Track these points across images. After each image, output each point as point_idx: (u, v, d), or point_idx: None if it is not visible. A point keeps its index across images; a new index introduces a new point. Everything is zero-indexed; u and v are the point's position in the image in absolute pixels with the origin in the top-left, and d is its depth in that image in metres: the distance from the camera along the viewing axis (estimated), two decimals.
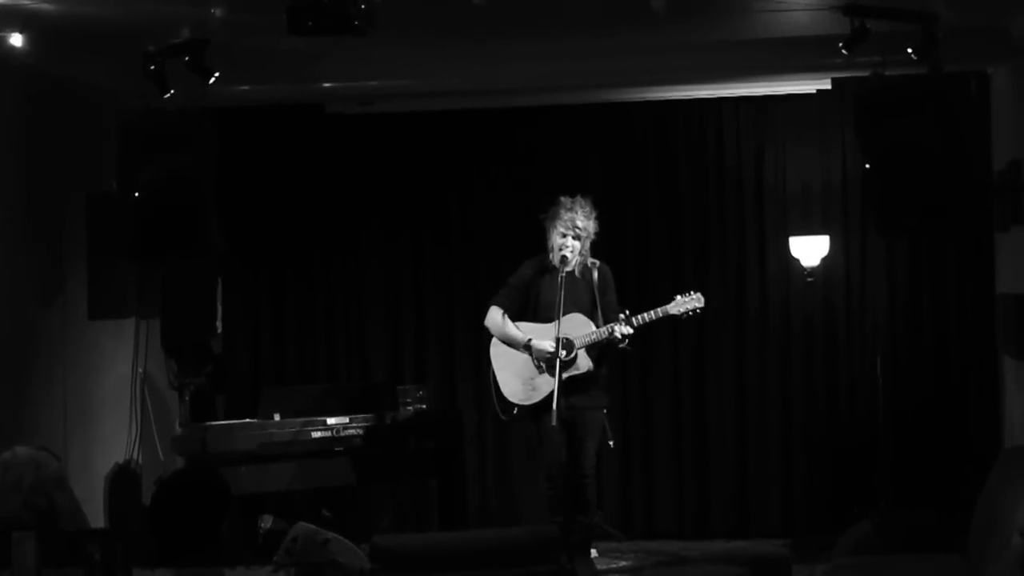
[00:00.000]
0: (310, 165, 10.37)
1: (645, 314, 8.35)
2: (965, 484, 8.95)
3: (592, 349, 8.39)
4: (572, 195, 8.50)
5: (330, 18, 6.41)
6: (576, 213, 8.40)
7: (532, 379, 8.48)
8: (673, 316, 8.42)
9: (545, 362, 8.38)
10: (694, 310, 8.42)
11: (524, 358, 8.49)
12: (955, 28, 7.35)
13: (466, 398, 10.22)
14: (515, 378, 8.53)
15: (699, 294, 8.43)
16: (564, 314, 8.27)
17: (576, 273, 8.49)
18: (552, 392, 8.17)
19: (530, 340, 8.44)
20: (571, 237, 8.41)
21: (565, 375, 8.26)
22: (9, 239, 8.06)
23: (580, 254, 8.45)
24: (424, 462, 9.35)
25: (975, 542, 6.57)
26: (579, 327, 8.36)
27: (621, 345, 8.38)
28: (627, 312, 8.33)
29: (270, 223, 10.39)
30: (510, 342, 8.54)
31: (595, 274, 8.50)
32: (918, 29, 7.21)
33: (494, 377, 8.60)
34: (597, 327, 8.37)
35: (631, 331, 8.31)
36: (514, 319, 8.57)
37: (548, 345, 8.33)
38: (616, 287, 8.61)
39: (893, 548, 7.36)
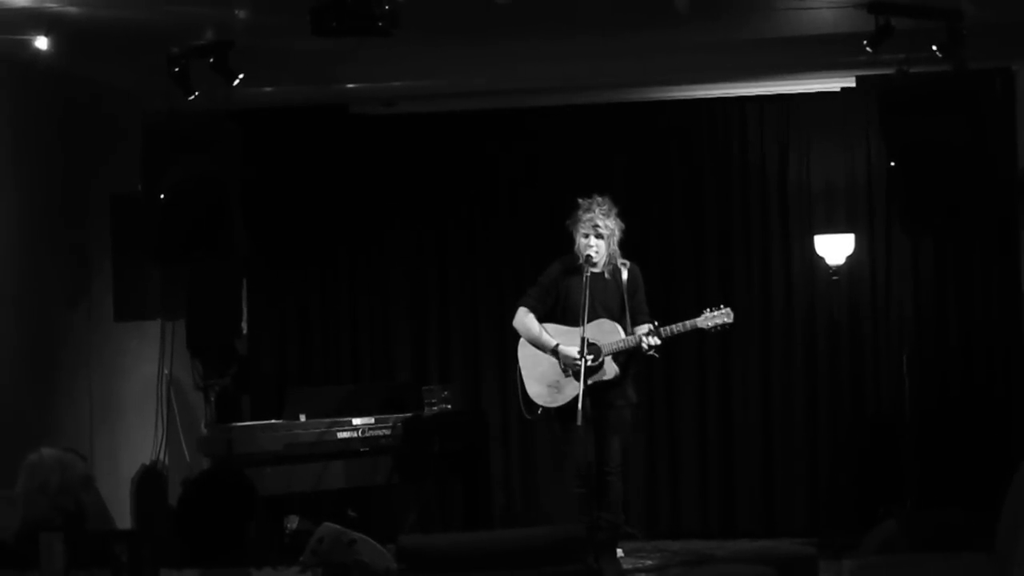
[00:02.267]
0: (334, 166, 10.37)
1: (673, 326, 8.35)
2: (992, 482, 8.92)
3: (619, 355, 8.38)
4: (592, 196, 8.51)
5: (354, 19, 6.42)
6: (595, 212, 8.40)
7: (558, 382, 8.47)
8: (701, 330, 8.43)
9: (572, 367, 8.38)
10: (723, 325, 8.41)
11: (550, 361, 8.48)
12: (980, 25, 7.32)
13: (491, 398, 10.22)
14: (541, 381, 8.53)
15: (728, 308, 8.40)
16: (593, 318, 8.25)
17: (605, 274, 8.48)
18: (577, 396, 8.20)
19: (558, 345, 8.44)
20: (594, 236, 8.41)
21: (591, 380, 8.24)
22: (35, 241, 8.10)
23: (609, 253, 8.45)
24: (449, 462, 9.35)
25: (1002, 541, 6.54)
26: (608, 334, 8.34)
27: (649, 353, 8.37)
28: (656, 323, 8.33)
29: (294, 224, 10.40)
30: (537, 344, 8.54)
31: (624, 275, 8.48)
32: (943, 26, 7.20)
33: (520, 377, 8.61)
34: (625, 330, 8.37)
35: (659, 342, 8.31)
36: (542, 320, 8.57)
37: (574, 352, 8.30)
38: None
39: (919, 547, 7.32)
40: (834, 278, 9.61)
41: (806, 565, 7.37)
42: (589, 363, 8.21)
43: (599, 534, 8.31)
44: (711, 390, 10.10)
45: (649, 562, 8.99)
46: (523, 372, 8.60)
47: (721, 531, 9.98)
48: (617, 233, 8.47)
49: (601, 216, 8.41)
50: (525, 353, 8.62)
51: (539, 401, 8.53)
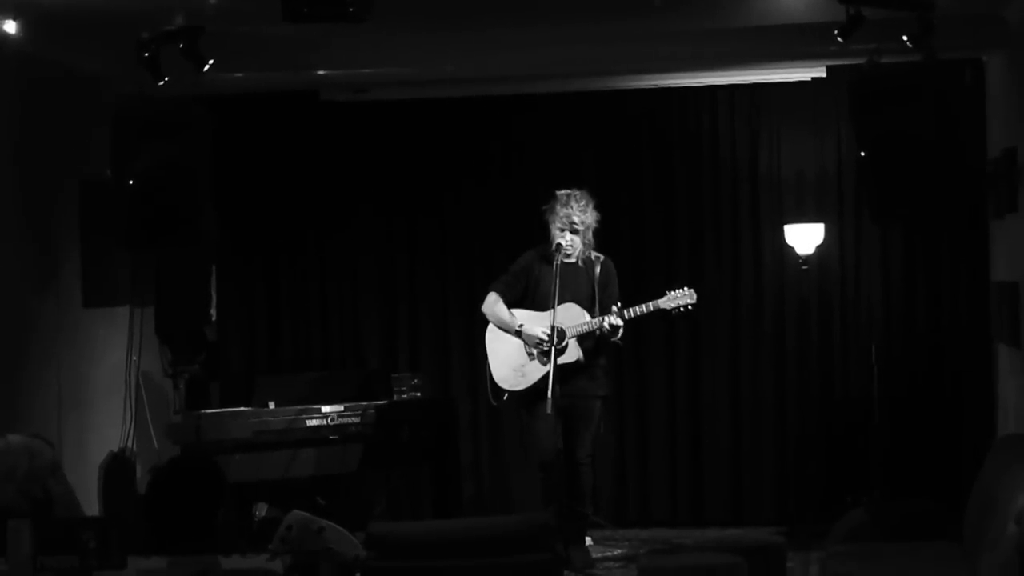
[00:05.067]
0: (304, 153, 10.35)
1: (636, 307, 8.37)
2: (959, 472, 8.99)
3: (587, 339, 8.39)
4: (567, 185, 8.54)
5: (325, 5, 6.39)
6: (572, 208, 8.43)
7: (522, 366, 8.49)
8: (664, 311, 8.43)
9: (535, 349, 8.40)
10: (686, 306, 8.42)
11: (516, 344, 8.50)
12: (950, 15, 7.33)
13: (460, 387, 10.21)
14: (505, 364, 8.55)
15: (691, 290, 8.42)
16: (561, 303, 8.27)
17: (578, 263, 8.50)
18: (542, 379, 8.20)
19: (521, 325, 8.46)
20: (569, 232, 8.43)
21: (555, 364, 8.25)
22: (3, 227, 8.05)
23: (583, 244, 8.47)
24: (418, 450, 9.36)
25: (969, 530, 6.58)
26: (573, 317, 8.36)
27: (613, 339, 8.38)
28: (619, 305, 8.34)
29: (264, 211, 10.38)
30: (503, 327, 8.56)
31: (597, 268, 8.50)
32: (913, 16, 7.19)
33: (488, 362, 8.62)
34: (593, 319, 8.38)
35: (621, 323, 8.31)
36: (512, 307, 8.57)
37: (539, 331, 8.34)
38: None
39: (887, 536, 7.37)
40: (804, 267, 9.62)
41: (775, 554, 7.40)
42: (553, 345, 8.22)
43: (568, 523, 8.32)
44: (680, 379, 10.11)
45: (618, 551, 9.02)
46: (489, 356, 8.61)
47: (690, 520, 9.99)
48: (592, 225, 8.50)
49: (578, 212, 8.43)
50: (492, 337, 8.64)
51: (504, 385, 8.55)
